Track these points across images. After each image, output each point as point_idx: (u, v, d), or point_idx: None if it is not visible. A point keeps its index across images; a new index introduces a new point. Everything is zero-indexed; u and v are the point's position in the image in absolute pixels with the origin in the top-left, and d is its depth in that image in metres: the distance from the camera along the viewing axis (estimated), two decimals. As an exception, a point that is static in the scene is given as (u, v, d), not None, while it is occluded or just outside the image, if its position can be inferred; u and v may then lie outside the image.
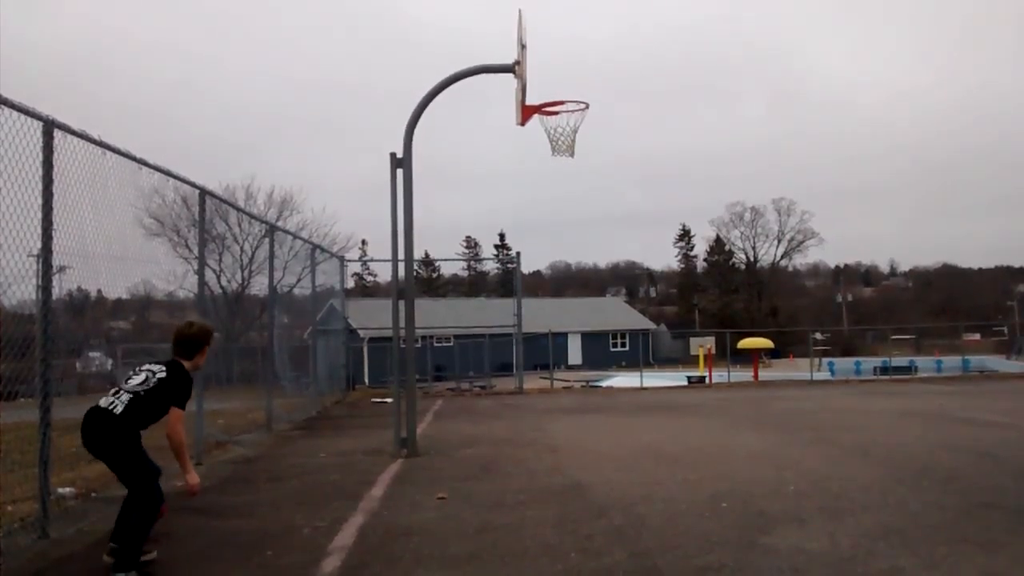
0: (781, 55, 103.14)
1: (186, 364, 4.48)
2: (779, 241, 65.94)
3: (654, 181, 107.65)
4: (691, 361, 39.80)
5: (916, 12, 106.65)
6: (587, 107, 8.36)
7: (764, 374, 26.28)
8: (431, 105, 8.17)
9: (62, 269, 5.40)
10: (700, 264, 72.17)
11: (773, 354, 38.45)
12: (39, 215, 4.85)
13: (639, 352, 37.99)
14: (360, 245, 58.04)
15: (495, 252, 74.50)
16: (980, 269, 76.31)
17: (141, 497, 4.20)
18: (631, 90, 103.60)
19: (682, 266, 74.29)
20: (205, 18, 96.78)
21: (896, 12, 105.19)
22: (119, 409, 4.19)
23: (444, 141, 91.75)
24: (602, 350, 49.34)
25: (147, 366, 4.44)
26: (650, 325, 54.81)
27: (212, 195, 8.70)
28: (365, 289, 64.53)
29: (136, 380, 4.33)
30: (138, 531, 4.15)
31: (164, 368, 4.38)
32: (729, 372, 21.25)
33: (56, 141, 4.99)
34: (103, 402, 4.23)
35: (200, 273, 8.64)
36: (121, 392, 4.26)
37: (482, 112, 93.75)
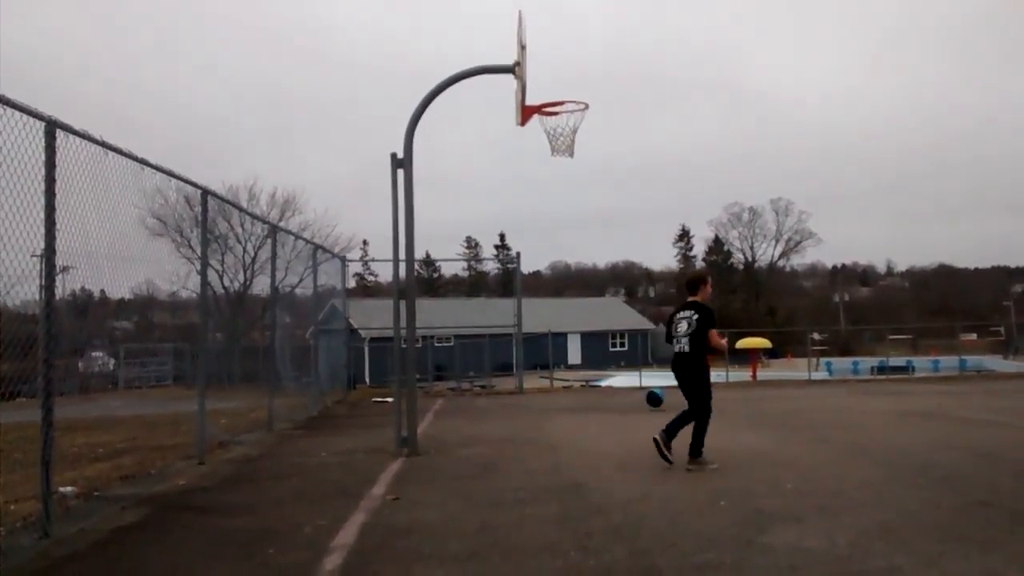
0: (779, 57, 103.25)
1: (699, 298, 6.75)
2: (777, 241, 66.08)
3: (653, 181, 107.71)
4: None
5: (919, 12, 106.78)
6: (587, 107, 8.38)
7: (762, 374, 26.32)
8: (431, 106, 8.20)
9: (65, 269, 5.42)
10: (699, 264, 72.23)
11: (771, 354, 38.45)
12: (42, 215, 4.87)
13: (638, 352, 38.07)
14: (361, 245, 58.14)
15: (495, 252, 74.56)
16: (977, 269, 76.46)
17: (700, 409, 6.57)
18: (627, 91, 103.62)
19: (681, 266, 74.31)
20: (200, 18, 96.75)
21: (897, 14, 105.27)
22: (687, 348, 6.60)
23: (445, 141, 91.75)
24: (601, 350, 49.35)
25: (682, 315, 6.69)
26: (649, 325, 54.80)
27: (215, 196, 8.73)
28: (366, 289, 64.52)
29: (683, 328, 6.63)
30: (700, 433, 6.54)
31: (693, 310, 6.66)
32: (727, 372, 21.27)
33: (58, 141, 5.01)
34: (676, 348, 6.68)
35: (203, 273, 8.67)
36: (681, 338, 6.60)
37: (482, 112, 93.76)
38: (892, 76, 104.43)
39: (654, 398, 12.48)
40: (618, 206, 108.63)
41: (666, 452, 6.59)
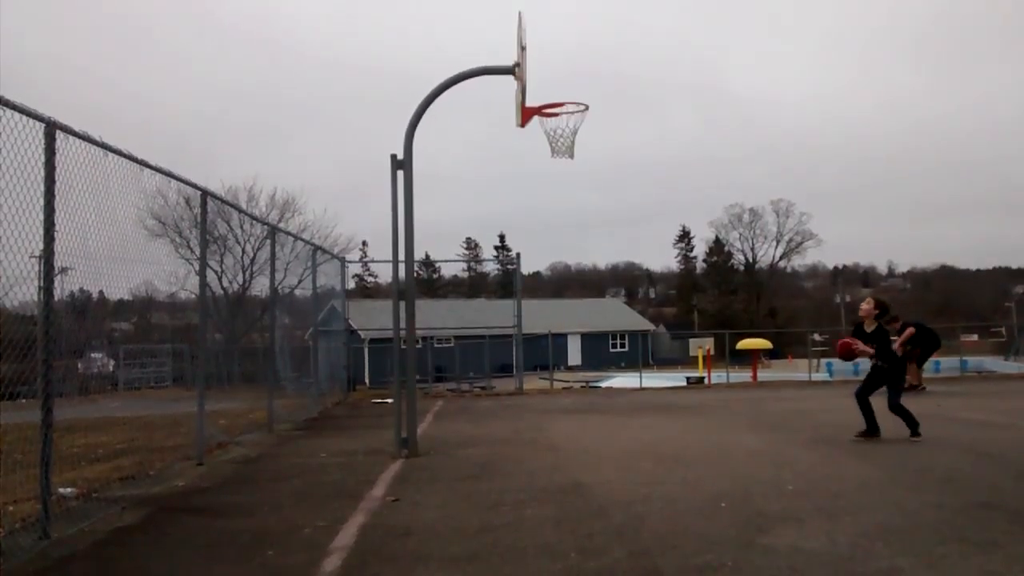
0: (778, 59, 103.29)
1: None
2: (778, 242, 66.16)
3: (653, 182, 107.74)
4: (690, 362, 39.83)
5: (916, 11, 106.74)
6: (587, 108, 8.38)
7: (763, 375, 26.27)
8: (431, 107, 8.19)
9: (64, 270, 5.41)
10: (699, 265, 72.29)
11: (772, 355, 38.42)
12: (41, 216, 4.87)
13: (638, 353, 38.01)
14: (361, 246, 58.20)
15: (495, 253, 74.57)
16: (978, 270, 76.53)
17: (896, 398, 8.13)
18: (626, 92, 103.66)
19: (681, 267, 74.41)
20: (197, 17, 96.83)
21: (891, 13, 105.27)
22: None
23: (445, 141, 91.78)
24: (601, 351, 49.41)
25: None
26: (649, 326, 54.90)
27: (214, 196, 8.72)
28: (366, 290, 64.58)
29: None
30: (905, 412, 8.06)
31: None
32: (728, 373, 21.25)
33: (58, 143, 5.01)
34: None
35: (201, 274, 8.67)
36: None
37: (482, 113, 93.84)
38: (890, 76, 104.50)
39: None
40: (618, 206, 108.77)
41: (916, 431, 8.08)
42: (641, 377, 20.38)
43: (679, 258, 74.48)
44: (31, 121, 4.76)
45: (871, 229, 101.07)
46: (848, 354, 8.32)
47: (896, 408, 8.09)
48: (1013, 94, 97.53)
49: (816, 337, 34.44)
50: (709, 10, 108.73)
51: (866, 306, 8.44)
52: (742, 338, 31.37)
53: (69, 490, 5.87)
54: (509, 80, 8.11)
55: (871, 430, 8.12)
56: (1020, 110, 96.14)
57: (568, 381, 25.07)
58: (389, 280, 14.85)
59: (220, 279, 30.99)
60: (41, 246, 4.88)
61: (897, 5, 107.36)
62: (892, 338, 8.97)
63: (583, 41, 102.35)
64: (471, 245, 78.25)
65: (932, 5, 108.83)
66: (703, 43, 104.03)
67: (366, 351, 32.76)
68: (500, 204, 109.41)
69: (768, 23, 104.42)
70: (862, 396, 8.21)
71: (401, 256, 8.39)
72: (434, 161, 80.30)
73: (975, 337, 40.03)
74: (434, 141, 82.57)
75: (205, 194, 8.08)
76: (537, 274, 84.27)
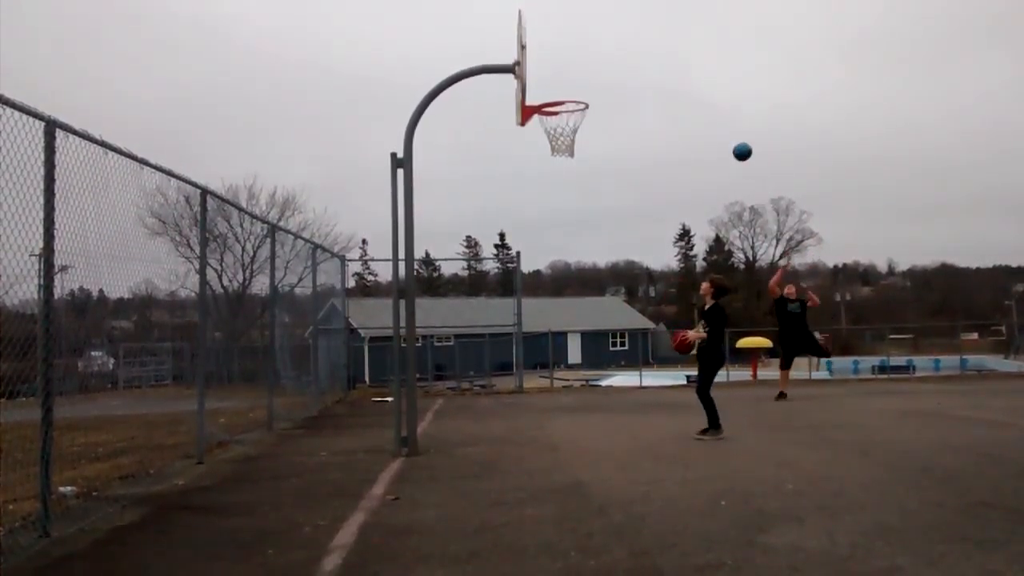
0: (777, 58, 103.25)
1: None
2: (778, 241, 66.18)
3: (654, 180, 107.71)
4: (690, 361, 39.79)
5: (915, 11, 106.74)
6: (587, 107, 8.38)
7: (762, 373, 26.28)
8: (430, 105, 8.18)
9: (64, 269, 5.41)
10: (699, 264, 72.30)
11: (771, 353, 38.41)
12: (41, 215, 4.87)
13: (638, 351, 38.04)
14: (361, 245, 58.27)
15: (495, 252, 74.60)
16: (978, 269, 76.51)
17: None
18: (629, 91, 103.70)
19: (681, 266, 74.38)
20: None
21: (893, 15, 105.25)
22: None
23: (445, 139, 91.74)
24: (602, 349, 49.45)
25: None
26: (649, 324, 54.93)
27: (214, 195, 8.71)
28: (366, 289, 64.58)
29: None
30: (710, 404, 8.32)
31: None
32: (728, 371, 21.24)
33: (58, 141, 5.01)
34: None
35: (201, 272, 8.65)
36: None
37: (482, 111, 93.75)
38: (890, 75, 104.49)
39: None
40: (618, 205, 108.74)
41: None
42: (641, 376, 20.35)
43: (679, 256, 74.56)
44: (31, 120, 4.75)
45: (871, 227, 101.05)
46: (684, 348, 8.61)
47: (703, 395, 8.37)
48: (1013, 92, 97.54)
49: (816, 336, 34.37)
50: (703, 14, 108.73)
51: (705, 284, 8.77)
52: (742, 337, 31.34)
53: (69, 489, 5.87)
54: (510, 79, 8.10)
55: (712, 424, 8.37)
56: (1020, 109, 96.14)
57: (568, 380, 25.07)
58: (389, 278, 14.85)
59: (220, 277, 31.05)
60: (41, 244, 4.88)
61: (900, 3, 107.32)
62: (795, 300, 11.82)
63: (581, 41, 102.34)
64: (471, 243, 78.30)
65: (937, 1, 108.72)
66: (701, 45, 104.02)
67: (366, 349, 32.75)
68: (500, 202, 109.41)
69: (764, 24, 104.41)
70: (703, 391, 8.45)
71: (401, 254, 8.38)
72: (433, 158, 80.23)
73: (975, 336, 40.08)
74: (434, 140, 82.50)
75: (205, 192, 8.07)
76: (537, 272, 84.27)
